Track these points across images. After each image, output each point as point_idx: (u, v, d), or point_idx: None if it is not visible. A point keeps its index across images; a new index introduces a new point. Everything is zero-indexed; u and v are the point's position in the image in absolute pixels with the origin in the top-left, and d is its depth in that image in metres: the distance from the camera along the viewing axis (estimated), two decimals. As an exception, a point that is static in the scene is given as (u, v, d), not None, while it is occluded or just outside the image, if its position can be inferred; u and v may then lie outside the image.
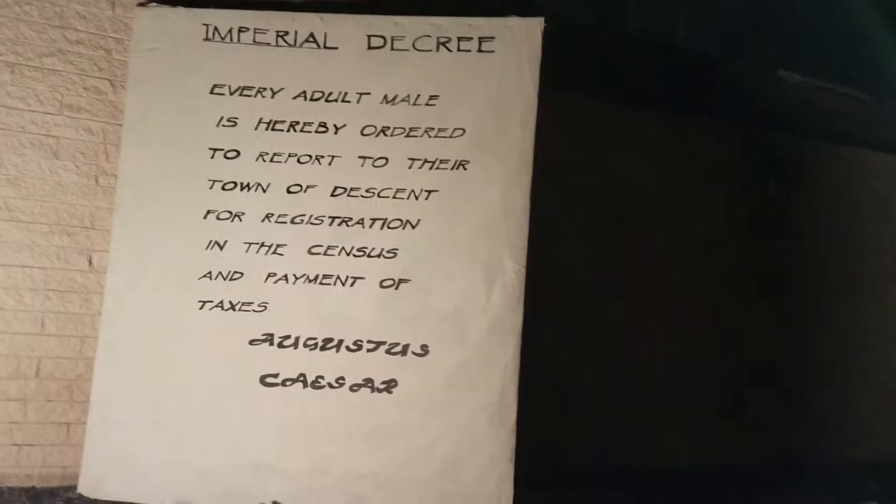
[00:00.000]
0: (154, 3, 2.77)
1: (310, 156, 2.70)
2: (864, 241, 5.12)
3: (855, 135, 5.00)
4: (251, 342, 2.60)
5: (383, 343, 2.60)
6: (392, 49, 2.73)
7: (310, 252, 2.65)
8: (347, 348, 2.59)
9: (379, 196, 2.68)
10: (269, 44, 2.76)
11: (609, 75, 3.81)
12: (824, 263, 4.99)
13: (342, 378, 2.57)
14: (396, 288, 2.63)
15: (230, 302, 2.62)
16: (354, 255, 2.64)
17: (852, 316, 5.07)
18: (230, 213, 2.67)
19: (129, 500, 2.54)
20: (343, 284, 2.63)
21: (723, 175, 4.70)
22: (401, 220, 2.67)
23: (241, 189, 2.69)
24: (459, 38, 2.72)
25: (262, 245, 2.65)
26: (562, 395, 3.82)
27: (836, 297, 4.98)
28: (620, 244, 4.24)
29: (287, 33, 2.76)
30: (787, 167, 4.88)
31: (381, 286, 2.63)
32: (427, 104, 2.71)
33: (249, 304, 2.62)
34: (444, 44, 2.73)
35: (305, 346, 2.59)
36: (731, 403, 4.51)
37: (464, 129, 2.70)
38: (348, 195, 2.68)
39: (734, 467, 4.30)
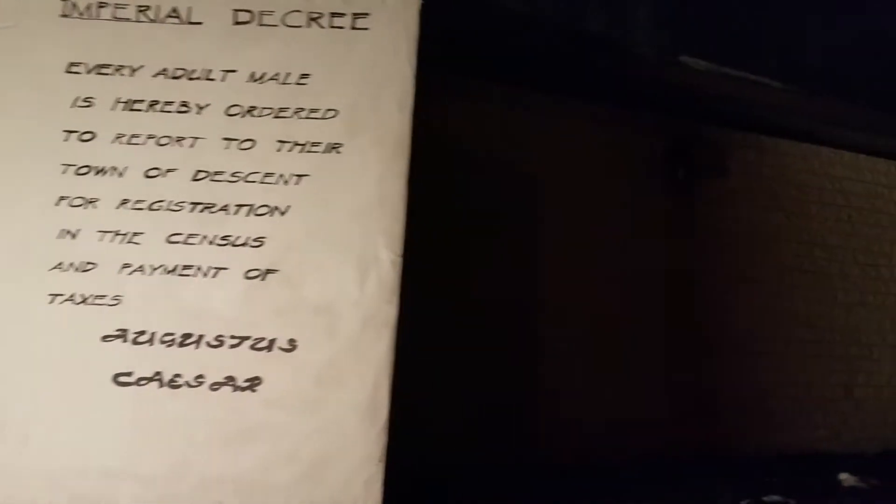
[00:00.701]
0: (4, -24, 2.55)
1: (170, 137, 2.52)
2: (778, 232, 5.11)
3: (767, 123, 4.98)
4: (104, 338, 2.41)
5: (248, 338, 2.43)
6: (260, 24, 2.57)
7: (168, 241, 2.47)
8: (208, 344, 2.42)
9: (245, 181, 2.51)
10: (129, 19, 2.58)
11: (506, 58, 3.69)
12: (738, 254, 4.97)
13: (202, 376, 2.40)
14: (263, 279, 2.47)
15: (82, 295, 2.42)
16: (218, 244, 2.47)
17: (766, 307, 5.06)
18: (84, 199, 2.48)
19: (-34, 510, 2.34)
20: (205, 275, 2.45)
21: (631, 164, 4.64)
22: (269, 207, 2.50)
23: (96, 174, 2.50)
24: (332, 14, 2.57)
25: (118, 234, 2.46)
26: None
27: (751, 287, 4.95)
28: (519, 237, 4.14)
29: (148, 8, 2.58)
30: (697, 156, 4.83)
31: (247, 277, 2.46)
32: (297, 83, 2.56)
33: (102, 297, 2.42)
34: (315, 19, 2.57)
35: (162, 342, 2.41)
36: (641, 396, 4.45)
37: (337, 111, 2.55)
38: (211, 179, 2.50)
39: (642, 460, 4.24)
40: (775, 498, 3.70)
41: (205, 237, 2.47)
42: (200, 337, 2.43)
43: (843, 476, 4.52)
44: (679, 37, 4.02)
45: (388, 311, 2.49)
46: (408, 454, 2.55)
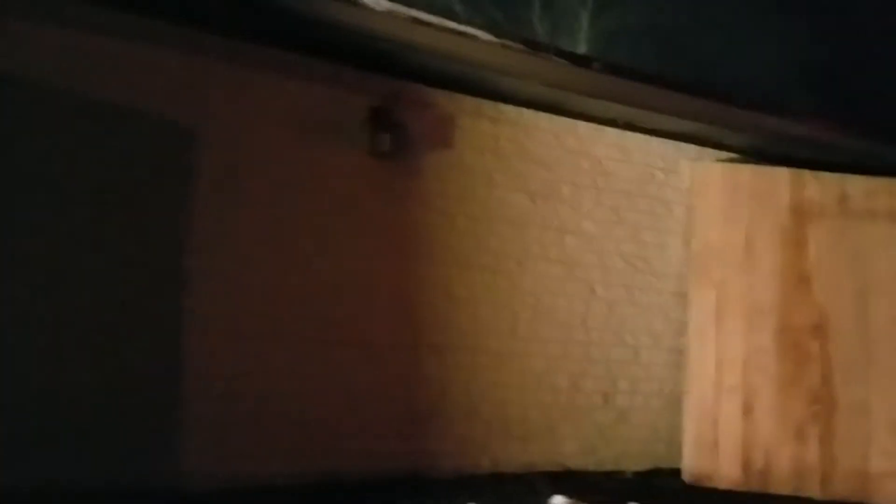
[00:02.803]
0: None
1: None
2: (521, 216, 4.44)
3: (505, 89, 4.30)
4: None
5: None
6: None
7: None
8: None
9: None
10: None
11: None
12: (468, 241, 4.28)
13: None
14: None
15: None
16: None
17: (502, 297, 4.38)
18: None
19: None
20: None
21: (328, 128, 3.93)
22: None
23: None
24: None
25: None
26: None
27: (490, 276, 4.26)
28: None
29: None
30: (413, 122, 4.14)
31: None
32: None
33: None
34: None
35: None
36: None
37: None
38: None
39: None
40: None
41: None
42: None
43: (557, 501, 3.84)
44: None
45: None
46: None
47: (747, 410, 4.64)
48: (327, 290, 3.88)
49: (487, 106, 4.41)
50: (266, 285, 3.72)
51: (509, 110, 4.47)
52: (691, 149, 5.15)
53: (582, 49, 17.37)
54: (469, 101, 4.34)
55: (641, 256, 4.93)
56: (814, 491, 4.53)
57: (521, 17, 17.90)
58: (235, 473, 3.54)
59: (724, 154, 5.22)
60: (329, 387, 3.87)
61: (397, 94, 4.07)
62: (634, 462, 4.84)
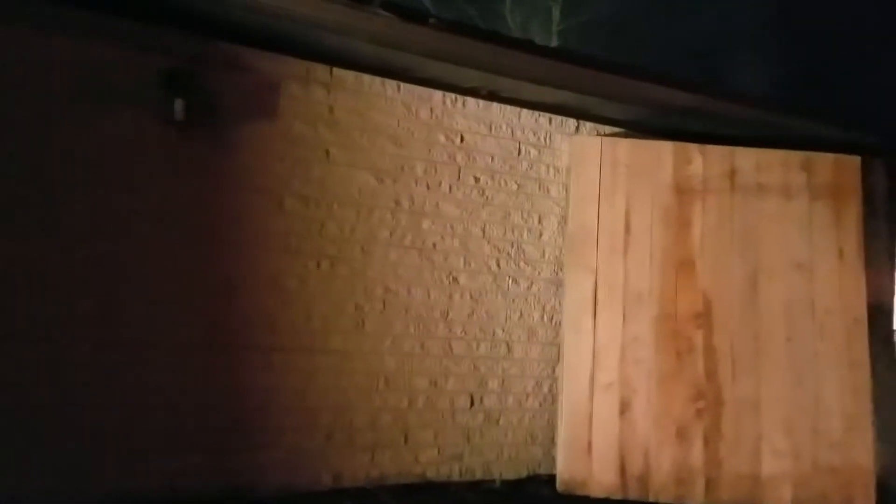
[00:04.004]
0: None
1: None
2: (365, 197, 3.92)
3: (338, 50, 3.78)
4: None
5: None
6: None
7: None
8: None
9: None
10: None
11: None
12: (299, 225, 3.75)
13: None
14: None
15: None
16: None
17: (344, 288, 3.85)
18: None
19: None
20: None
21: (103, 95, 3.35)
22: None
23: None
24: None
25: None
26: None
27: (329, 266, 3.73)
28: None
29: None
30: (212, 85, 3.59)
31: None
32: None
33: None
34: None
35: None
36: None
37: None
38: None
39: None
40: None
41: None
42: None
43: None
44: None
45: None
46: None
47: (624, 409, 4.17)
48: (110, 281, 3.31)
49: (320, 70, 3.87)
50: (30, 276, 3.14)
51: (346, 76, 3.94)
52: (571, 124, 4.66)
53: (553, 43, 17.20)
54: (297, 65, 3.80)
55: (512, 241, 4.43)
56: (698, 497, 4.08)
57: (494, 11, 17.84)
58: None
59: (608, 129, 4.75)
60: (120, 395, 3.30)
61: (201, 55, 3.50)
62: (507, 469, 4.35)
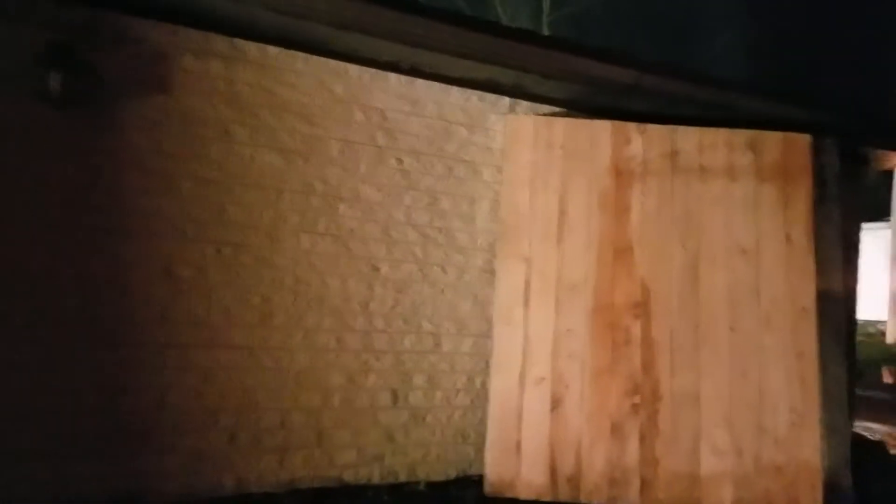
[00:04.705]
0: None
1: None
2: (272, 180, 3.63)
3: (243, 21, 3.48)
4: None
5: None
6: None
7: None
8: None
9: None
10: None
11: None
12: (196, 209, 3.45)
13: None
14: None
15: None
16: None
17: (248, 278, 3.55)
18: None
19: None
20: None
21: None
22: None
23: None
24: None
25: None
26: None
27: (231, 253, 3.44)
28: None
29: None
30: (95, 59, 3.27)
31: None
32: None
33: None
34: None
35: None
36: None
37: None
38: None
39: None
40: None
41: None
42: None
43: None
44: None
45: None
46: None
47: (556, 405, 3.90)
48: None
49: (219, 41, 3.56)
50: None
51: (249, 47, 3.63)
52: (506, 102, 4.36)
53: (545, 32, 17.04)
54: (192, 35, 3.49)
55: (440, 228, 4.14)
56: (633, 498, 3.81)
57: (484, 1, 17.76)
58: None
59: (546, 108, 4.45)
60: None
61: (85, 27, 3.18)
62: (435, 470, 4.07)
